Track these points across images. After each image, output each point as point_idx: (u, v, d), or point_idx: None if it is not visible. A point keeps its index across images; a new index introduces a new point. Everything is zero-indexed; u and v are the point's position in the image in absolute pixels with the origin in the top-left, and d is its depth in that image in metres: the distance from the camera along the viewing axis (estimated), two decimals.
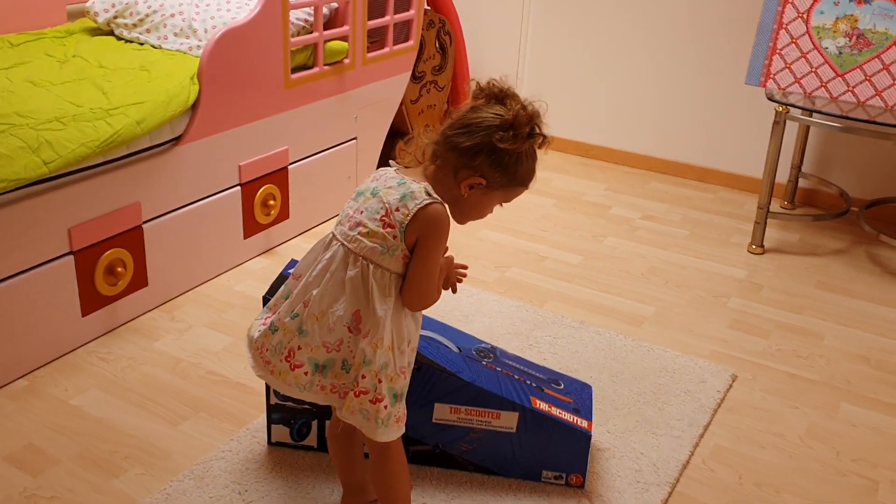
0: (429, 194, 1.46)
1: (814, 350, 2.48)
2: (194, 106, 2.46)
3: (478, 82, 1.53)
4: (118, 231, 2.31)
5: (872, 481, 1.96)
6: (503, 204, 1.57)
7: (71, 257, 2.20)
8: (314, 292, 1.49)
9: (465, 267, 1.71)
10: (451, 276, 1.67)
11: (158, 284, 2.49)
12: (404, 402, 1.53)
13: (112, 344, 2.33)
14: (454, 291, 1.69)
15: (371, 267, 1.46)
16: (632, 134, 3.88)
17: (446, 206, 1.49)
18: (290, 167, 2.89)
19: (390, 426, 1.50)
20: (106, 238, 2.28)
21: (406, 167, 1.55)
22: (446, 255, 1.60)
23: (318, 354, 1.49)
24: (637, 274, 2.90)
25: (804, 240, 3.22)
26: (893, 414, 2.20)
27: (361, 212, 1.48)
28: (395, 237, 1.45)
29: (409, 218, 1.44)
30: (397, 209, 1.45)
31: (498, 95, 1.49)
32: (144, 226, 2.40)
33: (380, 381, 1.46)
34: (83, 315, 2.28)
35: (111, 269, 2.32)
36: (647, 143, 3.85)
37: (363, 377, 1.47)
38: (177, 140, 2.44)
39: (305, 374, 1.50)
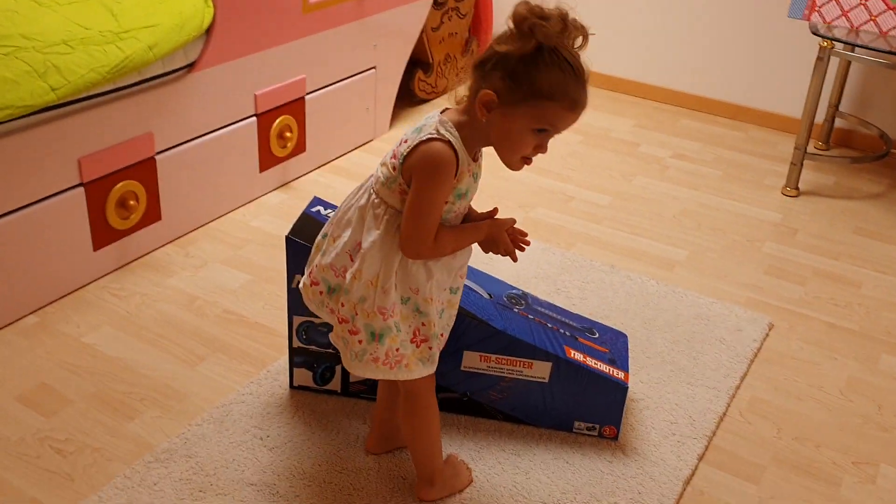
0: (439, 130, 1.34)
1: (852, 299, 2.39)
2: (208, 30, 2.32)
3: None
4: (130, 162, 2.20)
5: None
6: (551, 135, 1.34)
7: (81, 189, 2.10)
8: (337, 215, 1.48)
9: (524, 234, 1.52)
10: (502, 241, 1.48)
11: (172, 218, 2.40)
12: (389, 344, 1.42)
13: (125, 279, 2.25)
14: (513, 259, 1.50)
15: (374, 197, 1.41)
16: (663, 68, 3.71)
17: (455, 144, 1.33)
18: (307, 97, 2.77)
19: (365, 362, 1.44)
20: (117, 170, 2.17)
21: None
22: (503, 218, 1.48)
23: (328, 276, 1.47)
24: (668, 216, 2.79)
25: (840, 183, 3.10)
26: None
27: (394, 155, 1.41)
28: (394, 168, 1.37)
29: (408, 150, 1.35)
30: (405, 141, 1.37)
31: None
32: (157, 157, 2.29)
33: (356, 314, 1.42)
34: (95, 249, 2.19)
35: (123, 202, 2.22)
36: (679, 78, 3.69)
37: (342, 305, 1.44)
38: (190, 66, 2.32)
39: (320, 293, 1.50)
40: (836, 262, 2.57)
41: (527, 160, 1.37)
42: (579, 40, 1.31)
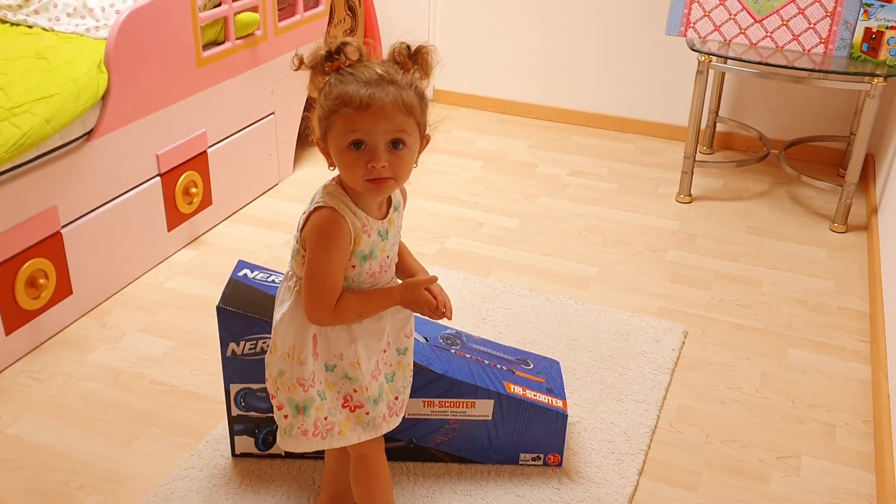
0: (324, 198, 1.35)
1: (754, 297, 2.54)
2: (104, 96, 2.27)
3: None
4: (36, 240, 2.13)
5: (829, 426, 2.03)
6: (371, 142, 1.28)
7: None
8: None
9: (443, 298, 1.44)
10: (422, 302, 1.41)
11: (84, 291, 2.33)
12: (315, 415, 1.43)
13: (42, 361, 2.17)
14: (437, 318, 1.43)
15: (289, 270, 1.45)
16: (550, 88, 3.85)
17: (339, 208, 1.33)
18: (209, 150, 2.73)
19: (295, 437, 1.45)
20: (23, 249, 2.09)
21: None
22: (418, 278, 1.44)
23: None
24: (574, 233, 2.90)
25: (728, 185, 3.29)
26: (837, 356, 2.28)
27: None
28: (297, 240, 1.41)
29: (303, 222, 1.38)
30: (304, 212, 1.39)
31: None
32: (63, 230, 2.22)
33: (277, 388, 1.44)
34: (7, 334, 2.10)
35: (33, 282, 2.14)
36: (567, 97, 3.83)
37: (266, 380, 1.46)
38: (89, 134, 2.26)
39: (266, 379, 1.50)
40: (735, 264, 2.73)
41: (371, 181, 1.30)
42: (415, 70, 1.32)
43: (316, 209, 1.35)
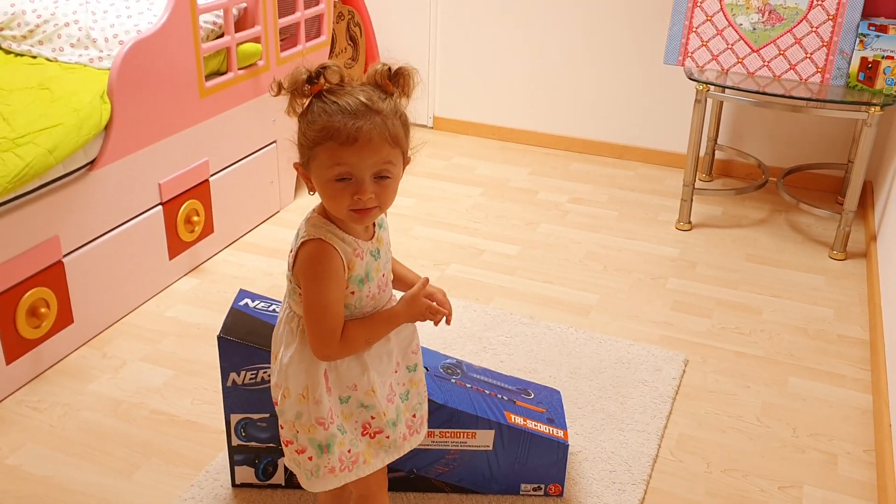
0: (308, 231, 1.33)
1: (755, 325, 2.54)
2: (107, 126, 2.28)
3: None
4: (37, 269, 2.13)
5: (831, 455, 2.02)
6: (357, 176, 1.28)
7: None
8: (276, 328, 1.50)
9: (442, 298, 1.46)
10: (424, 311, 1.41)
11: (85, 320, 2.33)
12: (338, 450, 1.42)
13: (42, 390, 2.17)
14: (436, 323, 1.44)
15: (288, 310, 1.42)
16: (550, 115, 3.87)
17: (327, 237, 1.32)
18: (211, 179, 2.75)
19: (322, 476, 1.43)
20: (25, 278, 2.10)
21: None
22: (414, 290, 1.41)
23: (276, 395, 1.46)
24: (575, 261, 2.91)
25: (727, 212, 3.30)
26: (837, 384, 2.28)
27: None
28: (290, 280, 1.39)
29: (292, 260, 1.37)
30: (291, 250, 1.38)
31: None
32: (65, 259, 2.23)
33: (297, 432, 1.41)
34: (7, 363, 2.10)
35: (34, 311, 2.14)
36: (567, 124, 3.86)
37: (282, 427, 1.44)
38: (91, 164, 2.27)
39: (281, 427, 1.47)
40: (735, 291, 2.73)
41: (356, 210, 1.30)
42: (397, 94, 1.31)
43: (303, 243, 1.33)
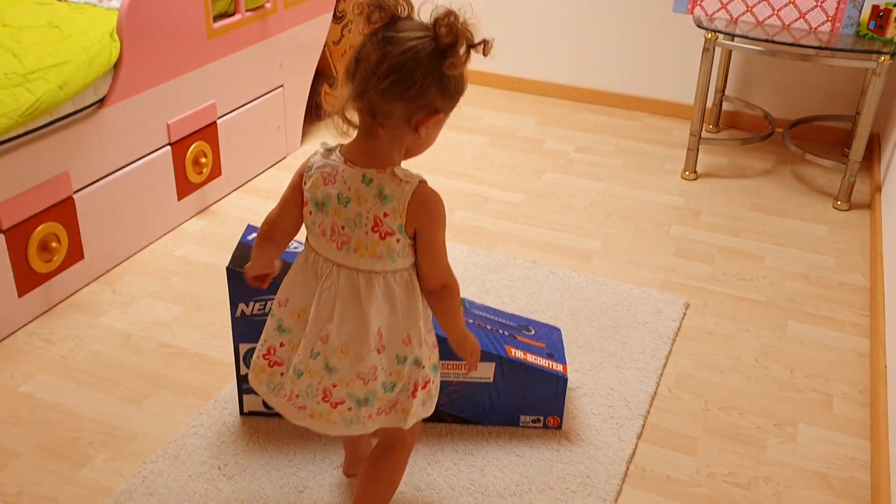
0: (400, 178, 1.29)
1: (756, 272, 2.57)
2: (116, 65, 2.30)
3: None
4: (48, 204, 2.17)
5: (827, 395, 2.06)
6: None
7: (1, 236, 2.06)
8: (330, 326, 1.34)
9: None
10: (470, 348, 1.51)
11: (95, 256, 2.37)
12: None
13: (53, 323, 2.21)
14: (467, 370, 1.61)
15: (387, 279, 1.34)
16: (559, 65, 3.86)
17: (420, 180, 1.31)
18: (218, 121, 2.76)
19: (434, 395, 1.47)
20: (36, 213, 2.14)
21: (331, 149, 1.36)
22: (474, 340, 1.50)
23: (355, 389, 1.37)
24: (579, 209, 2.92)
25: (733, 162, 3.30)
26: (837, 328, 2.31)
27: (342, 227, 1.32)
28: (398, 240, 1.31)
29: (403, 217, 1.30)
30: (385, 214, 1.29)
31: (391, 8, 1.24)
32: (75, 196, 2.26)
33: (424, 367, 1.42)
34: (20, 296, 2.15)
35: (45, 245, 2.18)
36: (575, 74, 3.85)
37: (415, 375, 1.41)
38: (101, 102, 2.29)
39: (349, 409, 1.39)
40: (738, 239, 2.75)
41: None
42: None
43: (415, 191, 1.29)
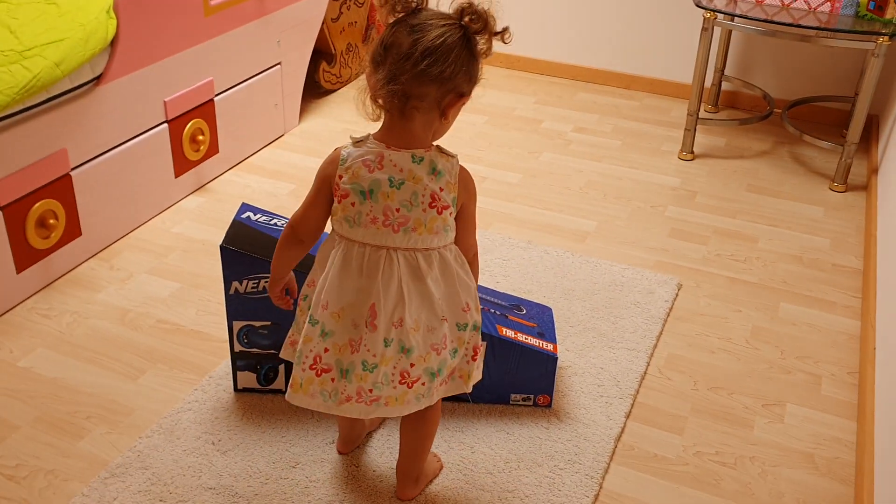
0: (447, 154, 1.39)
1: (750, 253, 2.58)
2: (113, 42, 2.30)
3: None
4: (46, 181, 2.19)
5: (815, 376, 2.08)
6: None
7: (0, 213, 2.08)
8: (402, 310, 1.39)
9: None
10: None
11: (93, 233, 2.39)
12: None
13: (52, 299, 2.24)
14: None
15: (442, 253, 1.42)
16: (557, 44, 3.85)
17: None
18: (216, 99, 2.77)
19: (482, 357, 1.57)
20: (34, 190, 2.15)
21: (360, 139, 1.41)
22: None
23: (430, 362, 1.44)
24: (575, 189, 2.93)
25: (730, 143, 3.31)
26: (829, 310, 2.33)
27: (397, 210, 1.36)
28: (451, 214, 1.41)
29: (455, 191, 1.40)
30: (441, 189, 1.37)
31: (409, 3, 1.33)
32: (72, 173, 2.28)
33: (478, 331, 1.51)
34: (18, 272, 2.17)
35: (43, 222, 2.20)
36: (573, 53, 3.84)
37: (475, 339, 1.51)
38: (97, 79, 2.30)
39: (423, 384, 1.45)
40: (733, 220, 2.76)
41: None
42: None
43: (459, 168, 1.40)
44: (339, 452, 1.77)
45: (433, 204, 1.37)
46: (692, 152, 3.16)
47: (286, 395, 1.46)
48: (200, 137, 2.73)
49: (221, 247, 1.75)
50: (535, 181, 2.97)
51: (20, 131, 2.09)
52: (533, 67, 3.94)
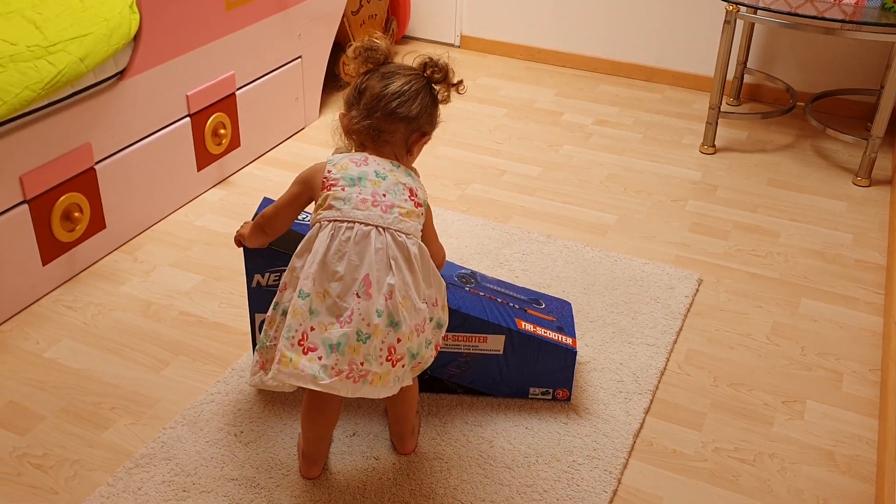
0: (416, 172, 1.62)
1: (771, 248, 2.57)
2: (136, 37, 2.32)
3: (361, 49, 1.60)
4: (71, 175, 2.21)
5: (837, 373, 2.07)
6: None
7: (25, 206, 2.11)
8: (391, 280, 1.46)
9: None
10: None
11: (117, 226, 2.42)
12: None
13: (77, 291, 2.27)
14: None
15: (421, 244, 1.53)
16: (579, 36, 3.84)
17: None
18: (237, 92, 2.79)
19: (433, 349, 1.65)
20: (59, 183, 2.18)
21: (342, 149, 1.65)
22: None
23: (413, 343, 1.51)
24: (596, 182, 2.93)
25: (752, 136, 3.28)
26: (850, 306, 2.31)
27: (384, 195, 1.50)
28: (422, 214, 1.55)
29: (425, 197, 1.58)
30: (417, 188, 1.56)
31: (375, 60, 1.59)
32: (97, 166, 2.30)
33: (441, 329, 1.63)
34: (44, 264, 2.20)
35: (68, 215, 2.23)
36: (595, 45, 3.82)
37: (437, 336, 1.61)
38: (121, 74, 2.32)
39: (403, 366, 1.51)
40: (754, 215, 2.75)
41: None
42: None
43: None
44: (306, 478, 1.70)
45: (412, 197, 1.54)
46: (714, 146, 3.14)
47: (270, 373, 1.48)
48: (222, 131, 2.75)
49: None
50: (554, 174, 2.97)
51: (45, 126, 2.12)
52: (554, 59, 3.92)
